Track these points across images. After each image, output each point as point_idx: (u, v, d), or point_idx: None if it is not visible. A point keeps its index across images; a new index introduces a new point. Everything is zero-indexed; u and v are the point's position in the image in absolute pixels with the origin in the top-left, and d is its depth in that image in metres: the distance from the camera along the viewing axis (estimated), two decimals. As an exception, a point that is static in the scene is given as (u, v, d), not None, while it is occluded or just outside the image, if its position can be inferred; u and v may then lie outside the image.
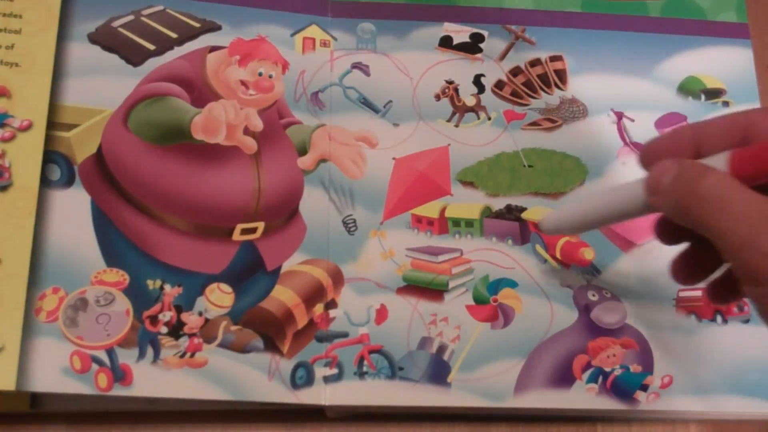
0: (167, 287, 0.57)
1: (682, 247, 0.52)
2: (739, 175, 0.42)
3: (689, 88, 0.69)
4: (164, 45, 0.65)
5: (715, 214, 0.41)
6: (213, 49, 0.65)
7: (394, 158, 0.64)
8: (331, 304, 0.59)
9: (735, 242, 0.40)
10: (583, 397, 0.58)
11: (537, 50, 0.70)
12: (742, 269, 0.40)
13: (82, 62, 0.63)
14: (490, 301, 0.61)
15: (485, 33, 0.70)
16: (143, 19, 0.65)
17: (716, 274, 0.50)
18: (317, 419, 0.58)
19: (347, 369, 0.57)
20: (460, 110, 0.67)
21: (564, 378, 0.59)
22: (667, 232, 0.51)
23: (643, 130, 0.67)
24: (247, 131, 0.62)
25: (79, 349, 0.55)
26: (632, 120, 0.67)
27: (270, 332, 0.58)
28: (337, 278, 0.60)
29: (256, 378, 0.56)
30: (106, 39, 0.64)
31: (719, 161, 0.43)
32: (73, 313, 0.56)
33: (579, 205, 0.56)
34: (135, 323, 0.56)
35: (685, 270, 0.51)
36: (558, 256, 0.62)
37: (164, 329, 0.56)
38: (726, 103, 0.69)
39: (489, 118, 0.67)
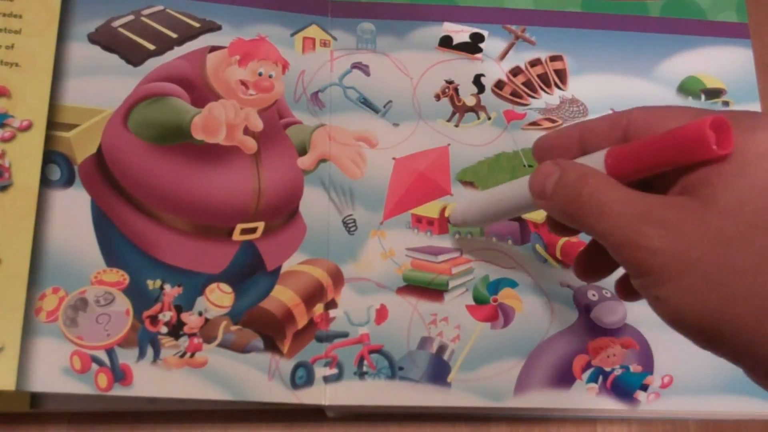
0: (167, 287, 0.57)
1: (583, 248, 0.52)
2: (615, 173, 0.44)
3: (689, 87, 0.69)
4: (164, 45, 0.65)
5: (595, 218, 0.43)
6: (213, 49, 0.65)
7: (394, 158, 0.64)
8: (331, 304, 0.59)
9: (616, 242, 0.42)
10: (583, 397, 0.58)
11: (537, 50, 0.70)
12: (625, 264, 0.42)
13: (82, 62, 0.63)
14: (490, 301, 0.61)
15: (485, 33, 0.70)
16: (143, 19, 0.65)
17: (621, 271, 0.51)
18: (317, 419, 0.58)
19: (347, 369, 0.57)
20: (460, 110, 0.67)
21: (564, 378, 0.59)
22: (557, 227, 0.51)
23: (643, 129, 0.67)
24: (247, 131, 0.62)
25: (79, 349, 0.55)
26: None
27: (270, 332, 0.58)
28: (337, 278, 0.60)
29: (256, 378, 0.56)
30: (106, 39, 0.64)
31: (597, 159, 0.45)
32: (73, 313, 0.56)
33: (481, 197, 0.58)
34: (135, 323, 0.56)
35: (588, 267, 0.52)
36: (558, 256, 0.62)
37: (164, 329, 0.56)
38: (726, 103, 0.69)
39: (489, 118, 0.67)
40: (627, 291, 0.50)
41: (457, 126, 0.66)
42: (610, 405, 0.58)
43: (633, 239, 0.41)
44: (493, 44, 0.69)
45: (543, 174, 0.47)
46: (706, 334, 0.40)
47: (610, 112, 0.67)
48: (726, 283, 0.39)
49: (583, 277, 0.53)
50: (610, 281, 0.61)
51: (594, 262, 0.51)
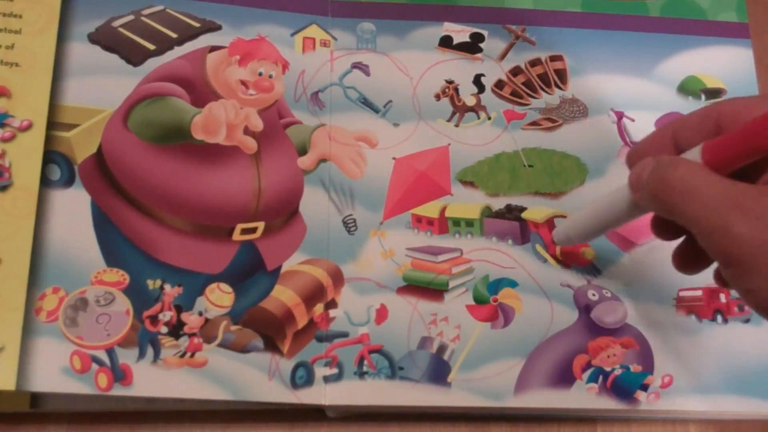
0: (167, 287, 0.57)
1: (681, 239, 0.52)
2: (712, 164, 0.44)
3: (689, 87, 0.69)
4: (164, 45, 0.65)
5: (686, 203, 0.43)
6: (213, 48, 0.65)
7: (394, 158, 0.64)
8: (331, 304, 0.59)
9: (705, 228, 0.42)
10: (583, 396, 0.58)
11: (537, 50, 0.70)
12: (714, 253, 0.42)
13: (82, 62, 0.63)
14: (490, 300, 0.60)
15: (485, 33, 0.70)
16: (143, 19, 0.65)
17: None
18: (317, 419, 0.58)
19: (347, 369, 0.57)
20: (460, 110, 0.67)
21: (564, 378, 0.59)
22: (661, 227, 0.52)
23: (644, 130, 0.67)
24: (247, 131, 0.62)
25: (79, 348, 0.55)
26: (632, 120, 0.67)
27: (270, 332, 0.57)
28: (337, 278, 0.60)
29: (256, 378, 0.56)
30: (106, 39, 0.64)
31: (694, 153, 0.45)
32: (73, 313, 0.56)
33: (582, 212, 0.57)
34: (135, 323, 0.56)
35: (685, 260, 0.52)
36: (558, 256, 0.62)
37: (164, 329, 0.56)
38: (726, 103, 0.69)
39: (489, 118, 0.67)
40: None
41: (457, 126, 0.66)
42: (610, 405, 0.58)
43: (722, 226, 0.41)
44: (493, 44, 0.69)
45: (640, 166, 0.47)
46: None
47: (611, 112, 0.67)
48: None
49: (682, 270, 0.53)
50: (610, 281, 0.62)
51: (691, 254, 0.51)
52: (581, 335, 0.60)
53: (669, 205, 0.44)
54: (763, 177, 0.43)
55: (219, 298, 0.58)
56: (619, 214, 0.53)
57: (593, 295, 0.61)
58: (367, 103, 0.66)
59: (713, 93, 0.69)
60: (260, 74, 0.64)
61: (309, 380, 0.57)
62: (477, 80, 0.68)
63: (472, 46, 0.69)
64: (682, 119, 0.49)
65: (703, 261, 0.51)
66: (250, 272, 0.59)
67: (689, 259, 0.52)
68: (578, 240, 0.60)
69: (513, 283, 0.61)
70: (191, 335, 0.56)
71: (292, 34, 0.67)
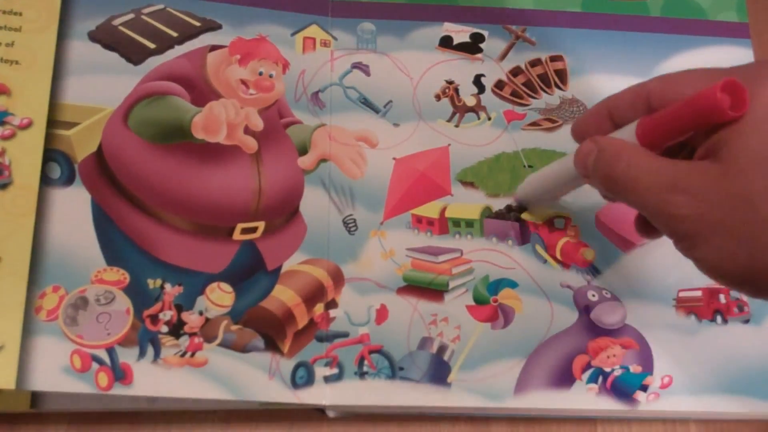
0: (168, 286, 0.57)
1: None
2: (647, 143, 0.47)
3: (689, 88, 0.69)
4: (165, 44, 0.65)
5: (630, 193, 0.46)
6: (213, 48, 0.65)
7: (394, 158, 0.64)
8: (332, 304, 0.59)
9: (651, 212, 0.46)
10: (583, 397, 0.58)
11: (537, 50, 0.70)
12: (663, 231, 0.46)
13: (82, 60, 0.63)
14: (490, 301, 0.61)
15: (485, 33, 0.70)
16: (143, 17, 0.65)
17: None
18: (317, 419, 0.58)
19: (347, 369, 0.57)
20: (460, 110, 0.67)
21: (564, 378, 0.59)
22: (641, 226, 0.56)
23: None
24: (247, 131, 0.62)
25: (80, 348, 0.55)
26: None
27: (270, 332, 0.57)
28: (338, 278, 0.60)
29: (257, 377, 0.56)
30: (106, 37, 0.64)
31: (630, 131, 0.48)
32: (74, 312, 0.55)
33: (535, 176, 0.61)
34: (135, 322, 0.56)
35: (644, 225, 0.55)
36: (558, 256, 0.62)
37: (165, 328, 0.56)
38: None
39: (489, 119, 0.67)
40: (646, 230, 0.55)
41: (457, 126, 0.66)
42: (610, 405, 0.58)
43: (663, 209, 0.44)
44: (493, 44, 0.69)
45: (583, 153, 0.50)
46: (746, 287, 0.44)
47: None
48: (753, 238, 0.42)
49: (641, 233, 0.55)
50: (610, 281, 0.62)
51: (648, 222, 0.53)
52: (581, 336, 0.60)
53: (617, 194, 0.48)
54: (698, 152, 0.45)
55: (219, 297, 0.58)
56: (568, 183, 0.57)
57: (593, 295, 0.61)
58: (367, 103, 0.66)
59: (713, 94, 0.69)
60: (260, 74, 0.64)
61: (309, 380, 0.57)
62: (477, 80, 0.68)
63: (472, 47, 0.69)
64: (615, 97, 0.52)
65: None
66: (250, 272, 0.59)
67: (648, 225, 0.53)
68: (534, 198, 0.63)
69: (513, 284, 0.61)
70: (192, 335, 0.56)
71: (293, 34, 0.67)
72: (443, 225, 0.63)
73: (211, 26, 0.66)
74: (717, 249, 0.43)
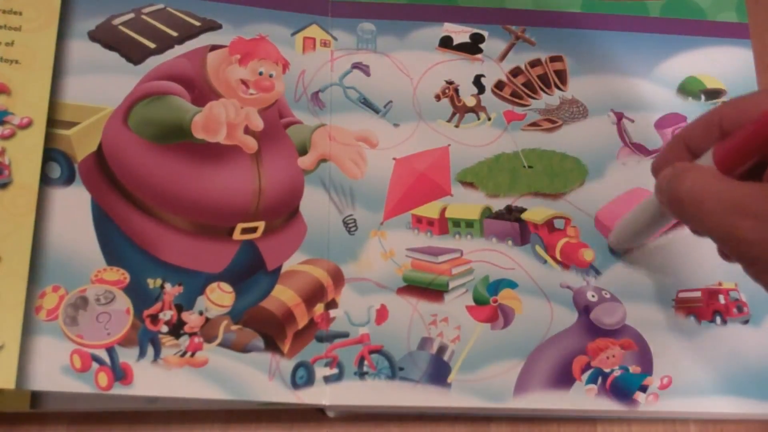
0: (168, 286, 0.57)
1: None
2: (724, 166, 0.45)
3: (689, 88, 0.69)
4: (165, 43, 0.65)
5: (695, 213, 0.45)
6: (213, 47, 0.65)
7: (394, 158, 0.64)
8: (332, 304, 0.59)
9: (717, 235, 0.44)
10: (582, 398, 0.58)
11: (537, 50, 0.70)
12: (731, 255, 0.45)
13: (82, 60, 0.63)
14: (490, 301, 0.61)
15: (485, 33, 0.70)
16: (144, 17, 0.65)
17: None
18: (317, 419, 0.58)
19: (347, 369, 0.57)
20: (460, 110, 0.67)
21: (563, 379, 0.59)
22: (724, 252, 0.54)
23: (643, 130, 0.67)
24: (247, 130, 0.62)
25: (80, 347, 0.55)
26: (632, 120, 0.67)
27: (270, 332, 0.58)
28: (338, 278, 0.60)
29: (257, 378, 0.56)
30: (106, 37, 0.64)
31: (707, 158, 0.47)
32: (74, 312, 0.55)
33: (626, 218, 0.60)
34: (135, 322, 0.56)
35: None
36: (558, 257, 0.62)
37: (165, 328, 0.56)
38: (726, 104, 0.69)
39: (489, 119, 0.67)
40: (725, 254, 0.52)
41: (457, 126, 0.66)
42: (609, 406, 0.58)
43: (730, 233, 0.43)
44: (493, 45, 0.69)
45: (661, 177, 0.49)
46: None
47: (610, 113, 0.67)
48: None
49: (725, 259, 0.52)
50: (609, 282, 0.62)
51: None
52: (581, 336, 0.60)
53: (681, 215, 0.47)
54: (767, 172, 0.44)
55: (219, 297, 0.58)
56: (656, 219, 0.55)
57: (593, 296, 0.61)
58: (367, 103, 0.66)
59: (713, 94, 0.69)
60: (261, 74, 0.64)
61: (309, 380, 0.57)
62: (477, 81, 0.68)
63: (472, 47, 0.69)
64: (688, 127, 0.51)
65: None
66: (250, 272, 0.59)
67: None
68: (627, 244, 0.62)
69: (513, 284, 0.61)
70: (192, 334, 0.56)
71: (293, 34, 0.67)
72: (443, 225, 0.63)
73: (211, 26, 0.66)
74: None
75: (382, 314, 0.59)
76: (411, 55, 0.68)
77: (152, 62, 0.64)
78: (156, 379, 0.55)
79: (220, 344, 0.57)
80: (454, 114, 0.66)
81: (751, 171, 0.45)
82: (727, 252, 0.45)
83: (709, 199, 0.44)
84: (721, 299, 0.62)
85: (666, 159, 0.51)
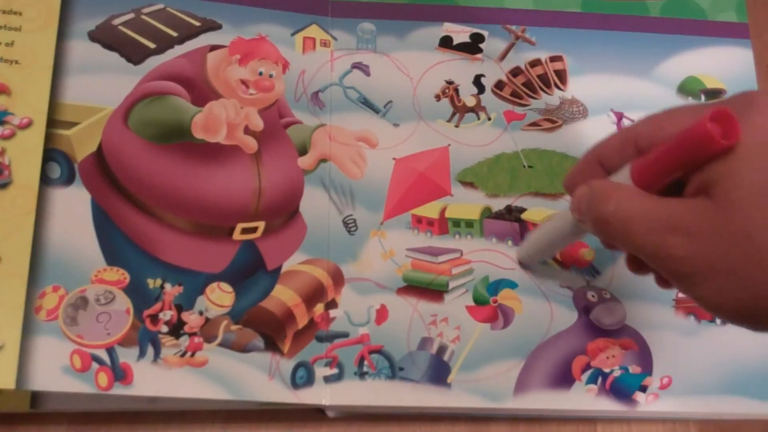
0: (168, 286, 0.57)
1: None
2: (642, 183, 0.45)
3: (689, 88, 0.69)
4: (165, 43, 0.64)
5: (624, 235, 0.45)
6: (213, 48, 0.65)
7: (394, 158, 0.64)
8: (332, 304, 0.59)
9: (647, 254, 0.44)
10: (582, 398, 0.58)
11: (537, 50, 0.70)
12: (662, 273, 0.44)
13: (82, 60, 0.62)
14: (489, 301, 0.61)
15: (485, 33, 0.70)
16: (143, 17, 0.65)
17: None
18: (317, 419, 0.58)
19: (347, 369, 0.57)
20: (460, 110, 0.67)
21: (563, 379, 0.59)
22: (632, 263, 0.53)
23: (643, 130, 0.67)
24: (247, 130, 0.62)
25: (80, 347, 0.55)
26: (632, 121, 0.67)
27: (270, 332, 0.58)
28: (338, 278, 0.60)
29: (257, 377, 0.56)
30: (106, 37, 0.64)
31: (624, 175, 0.47)
32: (74, 312, 0.55)
33: (536, 233, 0.60)
34: (135, 322, 0.56)
35: (637, 264, 0.53)
36: (557, 257, 0.62)
37: (165, 328, 0.56)
38: (726, 104, 0.69)
39: (489, 119, 0.67)
40: (637, 267, 0.52)
41: (457, 126, 0.66)
42: (609, 406, 0.58)
43: (660, 251, 0.43)
44: (493, 44, 0.69)
45: (578, 197, 0.49)
46: (749, 324, 0.42)
47: (610, 112, 0.67)
48: (753, 274, 0.40)
49: (634, 271, 0.53)
50: (609, 282, 0.62)
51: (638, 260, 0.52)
52: (580, 336, 0.60)
53: (606, 235, 0.46)
54: (687, 189, 0.44)
55: (219, 297, 0.58)
56: (570, 234, 0.54)
57: (592, 296, 0.61)
58: (367, 103, 0.66)
59: (713, 93, 0.69)
60: (260, 74, 0.64)
61: (309, 380, 0.57)
62: (477, 81, 0.68)
63: (472, 47, 0.69)
64: (602, 144, 0.51)
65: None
66: (250, 272, 0.59)
67: (639, 262, 0.52)
68: (536, 258, 0.61)
69: (513, 284, 0.61)
70: (191, 334, 0.56)
71: (293, 34, 0.67)
72: (443, 225, 0.63)
73: (211, 26, 0.66)
74: (717, 287, 0.41)
75: (382, 314, 0.59)
76: (411, 55, 0.68)
77: (152, 62, 0.64)
78: (156, 379, 0.55)
79: (220, 344, 0.57)
80: (454, 114, 0.66)
81: (667, 191, 0.45)
82: (656, 269, 0.45)
83: (636, 218, 0.44)
84: (721, 299, 0.62)
85: (580, 176, 0.51)
